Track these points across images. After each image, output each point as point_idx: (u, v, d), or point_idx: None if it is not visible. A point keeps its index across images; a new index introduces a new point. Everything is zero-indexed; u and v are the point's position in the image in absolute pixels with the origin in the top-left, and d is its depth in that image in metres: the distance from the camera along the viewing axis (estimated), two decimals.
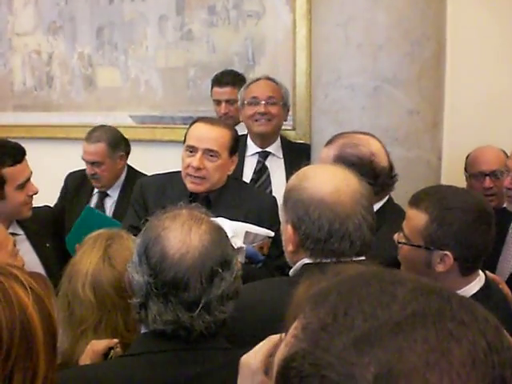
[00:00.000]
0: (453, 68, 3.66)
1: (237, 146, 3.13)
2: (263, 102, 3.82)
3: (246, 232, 2.75)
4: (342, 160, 2.59)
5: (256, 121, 3.84)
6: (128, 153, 4.07)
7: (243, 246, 2.70)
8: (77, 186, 4.13)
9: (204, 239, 1.59)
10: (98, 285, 2.02)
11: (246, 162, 3.90)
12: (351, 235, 1.88)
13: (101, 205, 4.05)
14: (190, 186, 3.01)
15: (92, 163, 3.94)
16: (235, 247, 2.57)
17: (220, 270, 1.58)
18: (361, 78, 3.29)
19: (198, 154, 2.97)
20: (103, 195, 4.07)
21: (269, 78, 3.97)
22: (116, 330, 2.00)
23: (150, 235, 1.62)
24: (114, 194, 4.06)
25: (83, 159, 3.96)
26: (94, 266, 2.05)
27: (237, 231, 2.68)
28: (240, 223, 2.77)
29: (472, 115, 4.11)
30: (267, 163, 3.92)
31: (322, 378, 0.71)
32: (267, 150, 3.94)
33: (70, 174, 4.20)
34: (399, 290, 0.77)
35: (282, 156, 3.94)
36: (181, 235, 1.59)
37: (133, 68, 5.00)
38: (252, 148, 3.94)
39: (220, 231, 1.67)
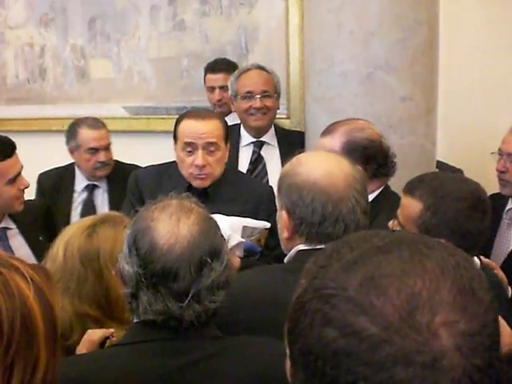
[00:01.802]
0: (446, 53, 3.65)
1: (228, 133, 3.11)
2: (258, 97, 3.78)
3: (244, 227, 2.74)
4: (353, 145, 2.62)
5: (251, 114, 3.81)
6: None
7: (242, 240, 2.69)
8: (54, 185, 4.08)
9: (192, 229, 1.59)
10: (69, 246, 2.05)
11: (240, 153, 3.88)
12: (345, 218, 1.89)
13: (90, 198, 4.06)
14: (197, 183, 2.99)
15: (105, 148, 3.94)
16: (234, 243, 2.57)
17: (209, 260, 1.58)
18: (353, 64, 3.28)
19: (200, 152, 2.93)
20: (92, 187, 4.07)
21: (260, 67, 3.91)
22: (67, 291, 2.01)
23: (139, 226, 1.63)
24: (102, 184, 4.07)
25: (94, 148, 3.91)
26: (74, 231, 2.08)
27: (234, 227, 2.68)
28: (237, 218, 2.75)
29: (466, 101, 4.11)
30: (262, 153, 3.90)
31: (319, 297, 0.85)
32: (262, 139, 3.92)
33: (43, 175, 4.13)
34: (381, 231, 0.94)
35: (276, 144, 3.92)
36: (169, 226, 1.59)
37: (125, 59, 4.98)
38: (246, 138, 3.91)
39: (209, 221, 1.67)
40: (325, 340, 0.82)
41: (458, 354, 0.79)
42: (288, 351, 0.92)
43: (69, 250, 2.05)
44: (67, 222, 3.78)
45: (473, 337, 0.81)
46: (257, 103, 3.78)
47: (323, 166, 1.95)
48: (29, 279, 1.26)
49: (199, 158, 2.92)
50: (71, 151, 3.98)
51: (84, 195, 4.06)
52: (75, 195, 4.06)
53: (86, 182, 4.06)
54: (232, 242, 2.58)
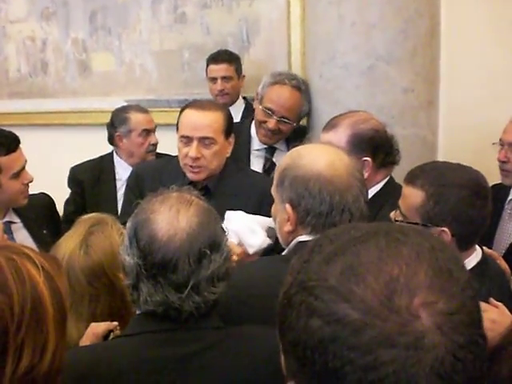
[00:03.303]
0: (447, 44, 3.64)
1: (232, 126, 3.06)
2: (276, 118, 3.60)
3: (269, 227, 2.72)
4: (360, 137, 2.63)
5: (263, 129, 3.67)
6: None
7: (271, 242, 2.68)
8: (93, 176, 4.05)
9: (192, 221, 1.61)
10: (71, 270, 2.04)
11: (252, 157, 3.78)
12: (351, 207, 1.90)
13: None
14: (190, 175, 2.97)
15: (154, 131, 3.99)
16: (266, 245, 2.58)
17: (208, 252, 1.59)
18: (355, 56, 3.29)
19: (194, 144, 2.91)
20: None
21: (295, 86, 3.65)
22: (81, 316, 2.03)
23: (139, 218, 1.64)
24: None
25: (146, 130, 3.95)
26: (71, 251, 2.08)
27: (263, 227, 2.67)
28: (262, 218, 2.70)
29: (467, 91, 4.09)
30: (275, 159, 3.76)
31: (303, 289, 0.88)
32: (273, 145, 3.78)
33: (76, 168, 4.07)
34: (359, 224, 0.99)
35: (285, 149, 3.72)
36: (169, 218, 1.60)
37: (127, 52, 4.99)
38: (257, 142, 3.79)
39: (209, 213, 1.68)
40: (311, 330, 0.85)
41: (439, 333, 0.82)
42: (280, 345, 0.95)
43: (71, 274, 2.04)
44: (115, 212, 3.70)
45: (452, 315, 0.83)
46: (272, 124, 3.61)
47: (325, 157, 1.96)
48: (39, 266, 1.31)
49: (193, 150, 2.91)
50: (120, 138, 3.97)
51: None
52: (118, 184, 4.03)
53: (130, 169, 3.96)
54: (264, 245, 2.59)
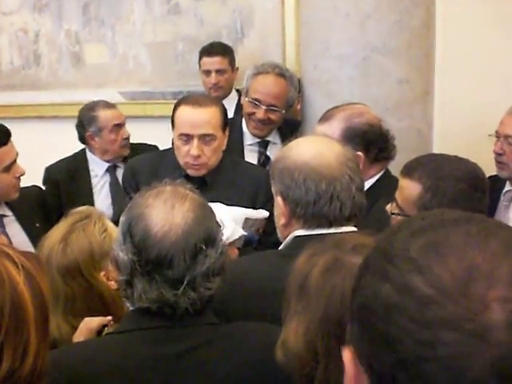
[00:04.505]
0: (443, 36, 3.63)
1: (227, 119, 3.06)
2: (264, 108, 3.57)
3: (246, 219, 2.71)
4: (353, 131, 2.61)
5: (253, 121, 3.64)
6: None
7: (244, 233, 2.66)
8: (68, 175, 4.00)
9: (187, 216, 1.58)
10: (48, 267, 2.00)
11: (246, 152, 3.74)
12: (340, 196, 1.87)
13: (115, 178, 3.98)
14: (191, 172, 2.96)
15: (124, 125, 3.97)
16: (237, 236, 2.55)
17: (204, 247, 1.57)
18: (349, 47, 3.27)
19: (195, 142, 2.89)
20: (114, 168, 4.02)
21: (279, 74, 3.65)
22: (55, 314, 1.98)
23: (133, 213, 1.61)
24: (121, 165, 3.98)
25: (117, 125, 3.92)
26: (51, 247, 2.06)
27: (236, 218, 2.65)
28: (238, 209, 2.70)
29: (463, 83, 4.09)
30: (268, 153, 3.75)
31: (384, 256, 0.88)
32: (266, 138, 3.76)
33: (51, 167, 4.02)
34: (456, 210, 0.95)
35: (279, 142, 3.73)
36: (163, 213, 1.58)
37: (120, 44, 4.95)
38: (249, 136, 3.77)
39: (204, 208, 1.66)
40: (380, 295, 0.84)
41: (508, 331, 0.78)
42: (350, 309, 0.95)
43: (48, 271, 2.02)
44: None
45: None
46: (260, 114, 3.58)
47: (314, 147, 1.95)
48: (19, 265, 1.27)
49: (194, 148, 2.89)
50: (91, 138, 3.92)
51: (107, 177, 4.01)
52: (94, 180, 4.01)
53: (105, 165, 4.00)
54: (235, 236, 2.56)
